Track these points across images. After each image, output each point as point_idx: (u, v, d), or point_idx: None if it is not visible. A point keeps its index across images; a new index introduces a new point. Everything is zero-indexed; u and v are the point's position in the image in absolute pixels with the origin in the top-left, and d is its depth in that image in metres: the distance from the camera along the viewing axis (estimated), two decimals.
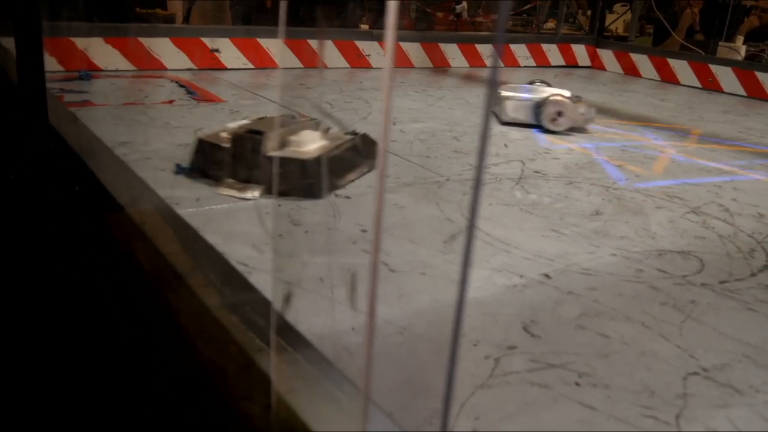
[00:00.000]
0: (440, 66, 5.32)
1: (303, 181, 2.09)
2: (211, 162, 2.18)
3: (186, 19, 5.61)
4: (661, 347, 1.39)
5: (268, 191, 2.10)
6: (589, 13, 6.66)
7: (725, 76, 5.11)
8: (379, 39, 5.02)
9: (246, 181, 2.11)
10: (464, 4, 7.04)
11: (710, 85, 5.19)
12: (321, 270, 1.60)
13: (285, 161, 2.10)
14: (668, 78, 5.46)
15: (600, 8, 6.23)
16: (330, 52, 4.83)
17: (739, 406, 1.23)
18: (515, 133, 3.22)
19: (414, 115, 3.43)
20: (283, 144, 2.19)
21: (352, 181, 2.27)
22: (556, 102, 3.17)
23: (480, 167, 0.58)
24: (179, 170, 2.23)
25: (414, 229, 1.92)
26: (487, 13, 8.11)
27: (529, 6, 7.86)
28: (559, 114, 3.16)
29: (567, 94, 3.24)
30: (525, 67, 5.74)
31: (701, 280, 1.73)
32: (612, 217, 2.14)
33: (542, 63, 5.83)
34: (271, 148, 2.11)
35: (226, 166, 2.14)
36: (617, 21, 7.36)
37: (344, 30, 5.08)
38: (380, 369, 1.25)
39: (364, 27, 5.69)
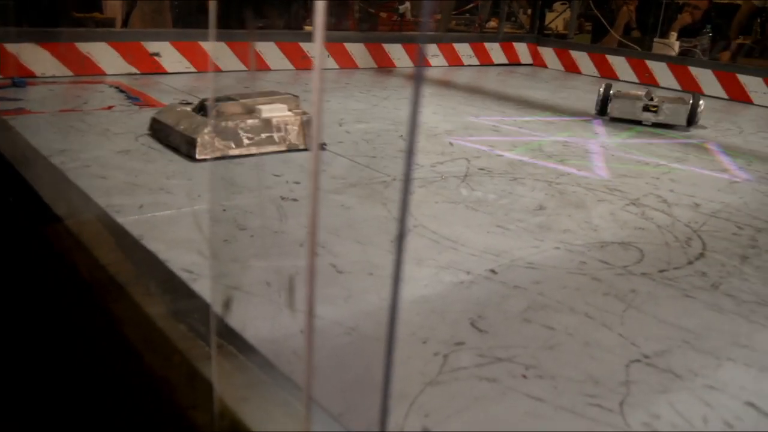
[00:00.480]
0: (385, 66, 5.34)
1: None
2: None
3: (125, 22, 5.49)
4: (604, 336, 1.43)
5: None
6: (529, 12, 6.77)
7: (661, 71, 5.26)
8: (324, 40, 5.00)
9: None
10: (407, 4, 7.08)
11: (647, 80, 5.34)
12: (268, 274, 1.59)
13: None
14: (607, 74, 5.60)
15: (540, 7, 6.34)
16: (274, 54, 4.79)
17: (679, 390, 1.27)
18: (461, 131, 3.26)
19: (359, 116, 3.44)
20: (251, 111, 2.58)
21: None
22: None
23: (408, 165, 0.58)
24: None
25: (361, 229, 1.92)
26: (431, 12, 8.17)
27: (471, 5, 7.96)
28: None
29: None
30: (469, 66, 5.80)
31: (641, 269, 1.78)
32: (555, 211, 2.19)
33: (485, 62, 5.91)
34: (231, 113, 2.55)
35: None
36: (557, 19, 7.51)
37: (288, 32, 5.05)
38: (328, 371, 1.25)
39: (309, 28, 5.67)
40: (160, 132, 2.67)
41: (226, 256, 1.68)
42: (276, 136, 2.60)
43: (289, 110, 2.67)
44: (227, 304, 1.36)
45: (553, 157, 2.89)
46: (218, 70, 4.46)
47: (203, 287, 1.40)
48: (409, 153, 0.56)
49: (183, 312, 1.13)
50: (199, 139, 2.43)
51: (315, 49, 0.58)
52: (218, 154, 2.47)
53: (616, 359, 1.35)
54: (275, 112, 2.62)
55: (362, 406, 1.15)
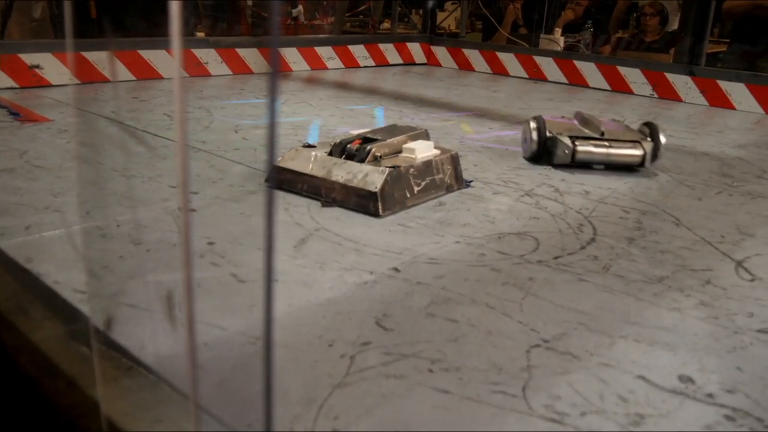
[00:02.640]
0: (281, 70, 5.29)
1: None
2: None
3: (1, 34, 5.19)
4: (505, 325, 1.47)
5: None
6: (421, 11, 6.89)
7: (548, 66, 5.48)
8: (217, 46, 4.91)
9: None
10: (300, 7, 7.05)
11: (536, 74, 5.55)
12: (166, 288, 1.54)
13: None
14: (499, 70, 5.78)
15: (431, 7, 6.47)
16: (165, 62, 4.65)
17: (578, 370, 1.32)
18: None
19: (255, 122, 3.39)
20: (398, 151, 2.34)
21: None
22: None
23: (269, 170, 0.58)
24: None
25: (262, 236, 1.90)
26: (324, 15, 8.18)
27: (364, 7, 8.01)
28: None
29: None
30: (365, 67, 5.84)
31: (537, 257, 1.85)
32: (454, 206, 2.24)
33: (381, 62, 5.97)
34: (385, 156, 2.28)
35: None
36: (449, 19, 7.69)
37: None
38: (235, 382, 1.23)
39: (200, 35, 5.55)
40: (293, 183, 2.28)
41: (122, 272, 1.62)
42: (437, 178, 2.33)
43: (435, 147, 2.41)
44: (108, 323, 1.32)
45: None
46: (105, 80, 4.29)
47: (96, 307, 1.35)
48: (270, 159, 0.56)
49: (73, 334, 1.08)
50: (379, 192, 2.09)
51: (174, 54, 0.57)
52: (397, 208, 2.15)
53: (517, 346, 1.39)
54: (427, 151, 2.33)
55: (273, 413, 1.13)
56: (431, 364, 1.31)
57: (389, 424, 1.13)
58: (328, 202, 2.17)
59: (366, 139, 2.35)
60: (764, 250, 2.00)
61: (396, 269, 1.72)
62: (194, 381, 0.68)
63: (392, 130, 2.49)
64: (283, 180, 2.29)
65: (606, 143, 2.75)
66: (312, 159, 2.28)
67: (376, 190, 2.09)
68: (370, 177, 2.13)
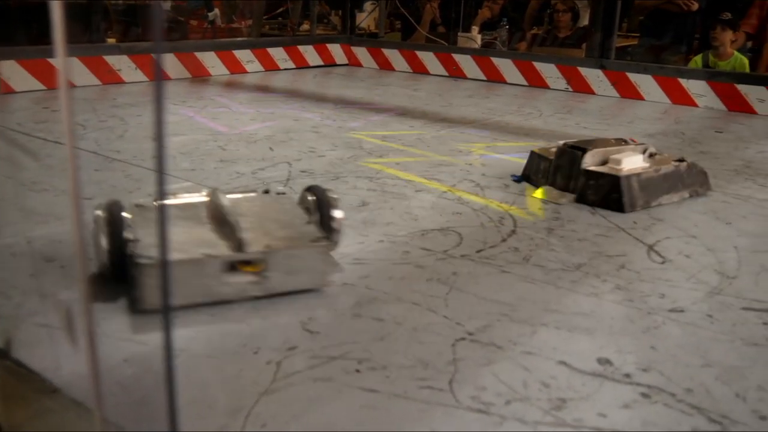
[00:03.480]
0: (199, 75, 5.19)
1: (612, 195, 2.28)
2: (537, 171, 2.54)
3: None
4: (431, 320, 1.49)
5: (579, 200, 2.34)
6: (340, 12, 6.89)
7: (466, 64, 5.58)
8: (129, 52, 4.77)
9: (563, 189, 2.40)
10: (216, 11, 6.93)
11: (455, 72, 5.63)
12: (65, 305, 1.48)
13: (599, 175, 2.32)
14: (419, 69, 5.84)
15: (349, 8, 6.47)
16: (77, 70, 4.49)
17: (502, 360, 1.35)
18: (281, 135, 3.25)
19: (174, 129, 3.32)
20: (605, 161, 2.38)
21: (665, 203, 2.38)
22: None
23: (161, 182, 0.57)
24: (515, 179, 2.61)
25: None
26: (242, 18, 8.07)
27: (282, 9, 7.94)
28: None
29: None
30: (285, 69, 5.80)
31: (461, 252, 1.88)
32: (377, 205, 2.25)
33: (301, 64, 5.94)
34: (590, 163, 2.35)
35: (548, 175, 2.46)
36: (368, 19, 7.71)
37: (90, 45, 4.75)
38: (158, 397, 1.19)
39: (112, 41, 5.37)
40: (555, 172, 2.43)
41: (33, 291, 1.55)
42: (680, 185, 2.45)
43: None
44: (8, 344, 1.26)
45: (373, 154, 2.97)
46: (9, 90, 4.10)
47: (7, 328, 1.29)
48: (160, 170, 0.55)
49: None
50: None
51: (58, 61, 0.55)
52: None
53: (443, 340, 1.41)
54: (628, 164, 2.37)
55: (200, 425, 1.11)
56: (358, 364, 1.31)
57: (318, 428, 1.13)
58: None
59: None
60: (673, 233, 2.09)
61: None
62: (98, 394, 0.66)
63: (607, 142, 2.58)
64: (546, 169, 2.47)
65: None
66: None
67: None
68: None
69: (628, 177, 2.29)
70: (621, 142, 2.53)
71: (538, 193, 2.41)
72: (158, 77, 0.57)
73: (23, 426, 0.86)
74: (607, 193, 2.29)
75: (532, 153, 2.61)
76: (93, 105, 3.88)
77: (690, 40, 5.28)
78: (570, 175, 2.39)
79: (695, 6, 5.24)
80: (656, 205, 2.33)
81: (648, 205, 2.31)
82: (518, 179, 2.59)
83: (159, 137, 0.55)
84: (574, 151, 2.39)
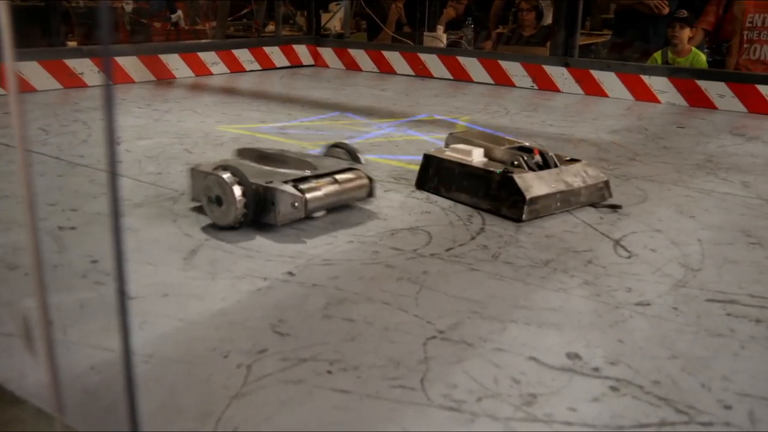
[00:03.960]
0: (164, 78, 5.13)
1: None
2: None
3: None
4: (401, 320, 1.49)
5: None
6: (306, 13, 6.86)
7: (432, 63, 5.60)
8: (91, 55, 4.69)
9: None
10: (179, 12, 6.85)
11: (421, 72, 5.65)
12: (22, 314, 1.45)
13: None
14: (386, 69, 5.84)
15: (314, 8, 6.46)
16: (38, 74, 4.41)
17: (472, 357, 1.36)
18: (248, 137, 3.23)
19: (139, 132, 3.27)
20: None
21: None
22: None
23: (114, 191, 0.56)
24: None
25: (151, 250, 1.84)
26: (206, 19, 8.00)
27: (246, 10, 7.89)
28: None
29: None
30: (251, 71, 5.76)
31: (430, 251, 1.89)
32: (346, 206, 2.24)
33: (267, 66, 5.90)
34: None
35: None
36: (333, 20, 7.70)
37: (50, 49, 4.66)
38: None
39: (73, 44, 5.28)
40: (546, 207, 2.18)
41: None
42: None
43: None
44: None
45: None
46: None
47: None
48: (112, 175, 0.54)
49: None
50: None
51: (7, 66, 0.54)
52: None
53: (413, 339, 1.42)
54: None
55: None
56: (329, 365, 1.31)
57: (290, 430, 1.12)
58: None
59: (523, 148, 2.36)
60: (639, 227, 2.13)
61: (290, 273, 1.71)
62: (58, 400, 0.65)
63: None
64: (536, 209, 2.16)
65: (332, 180, 2.07)
66: (540, 178, 2.21)
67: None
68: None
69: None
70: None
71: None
72: (108, 79, 0.56)
73: None
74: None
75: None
76: (54, 109, 3.81)
77: (660, 41, 5.37)
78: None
79: (666, 10, 5.33)
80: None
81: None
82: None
83: (110, 143, 0.54)
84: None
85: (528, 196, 2.12)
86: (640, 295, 1.65)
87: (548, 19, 6.28)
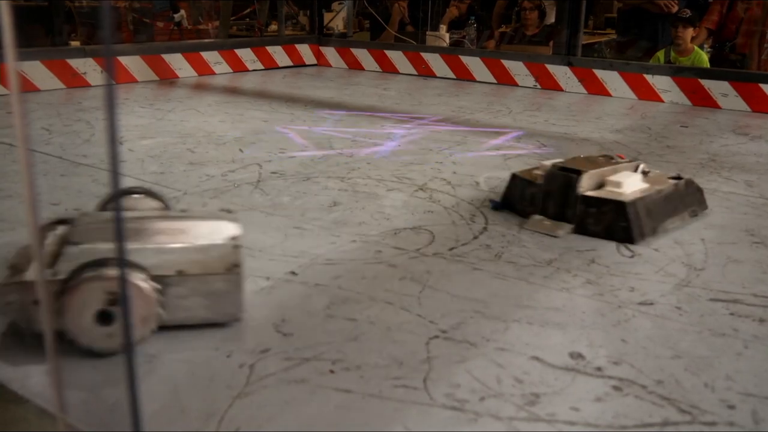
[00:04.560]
0: (167, 77, 5.13)
1: (618, 223, 1.99)
2: (522, 197, 2.20)
3: None
4: (404, 319, 1.49)
5: (578, 230, 2.04)
6: (308, 13, 6.86)
7: (435, 62, 5.59)
8: (94, 55, 4.70)
9: (557, 218, 2.08)
10: (182, 12, 6.86)
11: (424, 71, 5.65)
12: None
13: (601, 202, 2.02)
14: (388, 69, 5.84)
15: (317, 8, 6.45)
16: (41, 74, 4.42)
17: (475, 357, 1.36)
18: (251, 136, 3.23)
19: (142, 132, 3.28)
20: (601, 184, 2.11)
21: (673, 227, 2.11)
22: None
23: (116, 186, 0.56)
24: (494, 205, 2.26)
25: None
26: (209, 19, 8.00)
27: (249, 10, 7.89)
28: None
29: None
30: (254, 70, 5.76)
31: (433, 250, 1.89)
32: (349, 205, 2.24)
33: (270, 65, 5.90)
34: (587, 187, 2.07)
35: (537, 202, 2.14)
36: (336, 19, 7.70)
37: (53, 48, 4.67)
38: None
39: (75, 44, 5.29)
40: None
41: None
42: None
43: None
44: None
45: (344, 153, 2.96)
46: None
47: None
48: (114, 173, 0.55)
49: None
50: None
51: (9, 66, 0.54)
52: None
53: (416, 339, 1.42)
54: (628, 186, 2.10)
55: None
56: (332, 365, 1.31)
57: (293, 430, 1.12)
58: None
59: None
60: None
61: (293, 272, 1.71)
62: (61, 399, 0.65)
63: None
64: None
65: None
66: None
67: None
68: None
69: (634, 202, 2.01)
70: (609, 159, 2.25)
71: (531, 224, 2.09)
72: (110, 78, 0.56)
73: None
74: (612, 222, 2.00)
75: (514, 176, 2.26)
76: (58, 109, 3.81)
77: (668, 40, 5.35)
78: (565, 203, 2.07)
79: (675, 8, 5.33)
80: (661, 232, 2.06)
81: (654, 232, 2.03)
82: (497, 206, 2.24)
83: (112, 141, 0.54)
84: (568, 174, 2.08)
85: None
86: (643, 294, 1.65)
87: (551, 18, 6.27)
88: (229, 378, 1.25)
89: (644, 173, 2.20)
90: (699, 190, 2.30)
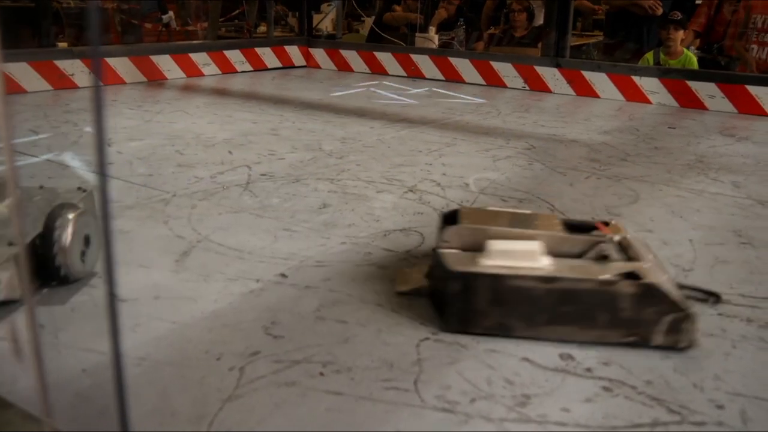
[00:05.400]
0: (155, 79, 5.11)
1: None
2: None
3: None
4: (395, 321, 1.49)
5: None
6: (297, 14, 6.85)
7: (425, 64, 5.60)
8: (82, 56, 4.67)
9: None
10: (171, 13, 6.83)
11: (413, 72, 5.65)
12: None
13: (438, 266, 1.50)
14: (378, 70, 5.84)
15: (306, 9, 6.45)
16: (28, 75, 4.39)
17: (466, 359, 1.36)
18: (240, 138, 3.22)
19: (130, 134, 3.26)
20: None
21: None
22: None
23: (103, 188, 0.56)
24: None
25: (142, 252, 1.83)
26: (197, 20, 7.97)
27: (237, 11, 7.87)
28: None
29: None
30: (243, 72, 5.74)
31: (423, 252, 1.89)
32: (339, 207, 2.24)
33: (259, 66, 5.89)
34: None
35: None
36: (325, 20, 7.69)
37: (40, 50, 4.64)
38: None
39: (63, 45, 5.26)
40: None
41: None
42: None
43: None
44: None
45: (333, 155, 2.96)
46: None
47: None
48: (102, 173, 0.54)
49: None
50: None
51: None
52: None
53: (407, 341, 1.41)
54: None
55: None
56: (323, 367, 1.30)
57: None
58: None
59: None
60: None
61: (283, 275, 1.70)
62: (46, 403, 0.65)
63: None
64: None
65: None
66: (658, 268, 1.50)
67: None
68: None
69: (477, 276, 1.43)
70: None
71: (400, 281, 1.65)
72: (97, 79, 0.55)
73: None
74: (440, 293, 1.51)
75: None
76: (45, 111, 3.78)
77: (653, 42, 5.38)
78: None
79: (660, 11, 5.36)
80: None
81: (506, 332, 1.43)
82: None
83: (100, 143, 0.53)
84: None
85: (688, 310, 1.41)
86: None
87: (540, 20, 6.29)
88: (219, 381, 1.25)
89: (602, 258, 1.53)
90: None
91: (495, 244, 1.47)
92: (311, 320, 1.48)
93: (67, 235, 1.53)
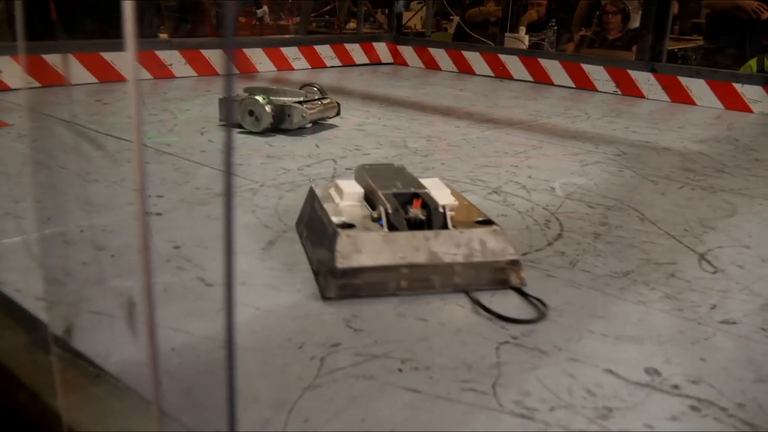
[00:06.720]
0: (247, 71, 5.26)
1: None
2: None
3: None
4: (474, 323, 1.48)
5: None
6: (387, 11, 6.89)
7: (513, 65, 5.53)
8: (181, 47, 4.85)
9: None
10: (265, 8, 7.00)
11: (501, 73, 5.59)
12: (126, 294, 1.51)
13: None
14: (465, 69, 5.81)
15: (395, 7, 6.48)
16: (128, 64, 4.58)
17: (546, 366, 1.33)
18: (326, 132, 3.27)
19: (221, 124, 3.36)
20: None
21: None
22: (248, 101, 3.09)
23: (228, 174, 0.58)
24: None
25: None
26: (290, 16, 8.14)
27: (329, 7, 8.00)
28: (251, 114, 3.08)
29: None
30: (331, 67, 5.83)
31: None
32: None
33: (347, 62, 5.96)
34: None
35: None
36: (414, 18, 7.71)
37: (142, 40, 4.85)
38: (205, 388, 1.21)
39: (163, 36, 5.48)
40: (380, 286, 1.59)
41: (85, 279, 1.59)
42: None
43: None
44: (68, 331, 1.29)
45: (418, 153, 2.96)
46: (63, 83, 4.21)
47: (58, 315, 1.32)
48: (228, 163, 0.56)
49: (35, 343, 1.06)
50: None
51: (128, 56, 0.56)
52: None
53: (486, 343, 1.40)
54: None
55: (245, 420, 1.12)
56: (401, 363, 1.31)
57: (360, 425, 1.13)
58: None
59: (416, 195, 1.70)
60: (726, 242, 2.04)
61: None
62: (157, 386, 0.67)
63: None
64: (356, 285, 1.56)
65: (319, 102, 3.31)
66: (387, 242, 1.59)
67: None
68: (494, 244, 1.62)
69: None
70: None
71: None
72: (229, 70, 0.57)
73: (88, 419, 0.88)
74: None
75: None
76: (144, 99, 3.95)
77: (756, 48, 5.13)
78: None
79: (765, 15, 5.11)
80: None
81: None
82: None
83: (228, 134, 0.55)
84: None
85: (341, 266, 1.54)
86: (726, 312, 1.58)
87: (635, 23, 6.10)
88: (300, 369, 1.27)
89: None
90: None
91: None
92: (391, 316, 1.49)
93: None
